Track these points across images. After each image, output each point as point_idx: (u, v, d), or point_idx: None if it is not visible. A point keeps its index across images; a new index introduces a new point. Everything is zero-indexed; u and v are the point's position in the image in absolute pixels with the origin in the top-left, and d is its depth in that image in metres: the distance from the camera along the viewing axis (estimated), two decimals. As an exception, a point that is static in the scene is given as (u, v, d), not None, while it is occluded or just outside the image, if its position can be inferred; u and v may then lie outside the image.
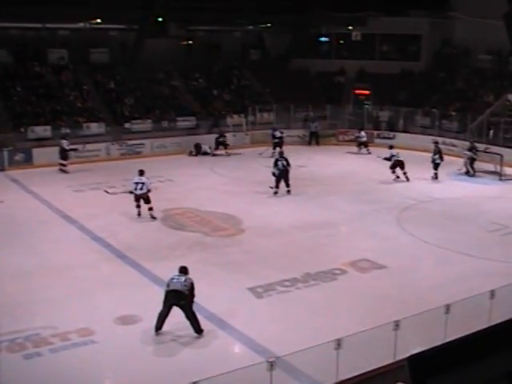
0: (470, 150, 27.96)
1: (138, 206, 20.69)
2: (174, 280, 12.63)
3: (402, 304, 13.82)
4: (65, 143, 28.39)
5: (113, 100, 35.42)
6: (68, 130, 31.36)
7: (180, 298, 12.45)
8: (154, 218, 20.68)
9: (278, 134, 32.31)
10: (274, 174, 23.98)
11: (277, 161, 24.06)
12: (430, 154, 27.42)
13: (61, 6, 31.64)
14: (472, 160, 27.68)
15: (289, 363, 10.45)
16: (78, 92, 34.79)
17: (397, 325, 10.81)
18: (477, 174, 27.55)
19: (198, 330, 12.63)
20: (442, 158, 27.18)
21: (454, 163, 28.86)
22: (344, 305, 14.24)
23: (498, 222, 20.55)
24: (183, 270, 12.93)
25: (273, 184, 23.99)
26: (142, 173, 20.88)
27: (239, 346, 12.56)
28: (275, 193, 23.95)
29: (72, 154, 28.63)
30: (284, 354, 10.34)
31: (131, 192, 21.02)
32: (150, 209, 20.68)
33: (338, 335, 10.26)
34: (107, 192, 24.13)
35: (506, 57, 37.39)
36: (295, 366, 10.53)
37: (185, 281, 12.59)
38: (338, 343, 10.08)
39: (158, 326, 12.64)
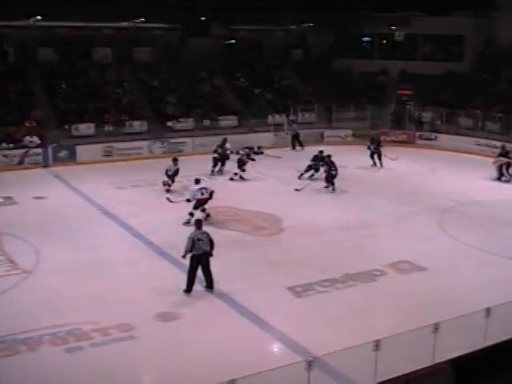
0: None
1: (191, 214, 19.58)
2: (201, 242, 14.20)
3: (442, 306, 13.73)
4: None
5: (155, 98, 35.74)
6: (111, 128, 31.79)
7: (207, 255, 14.32)
8: (208, 216, 20.22)
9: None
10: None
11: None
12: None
13: (105, 5, 32.11)
14: (508, 165, 27.18)
15: (327, 363, 10.43)
16: (121, 90, 35.20)
17: (436, 327, 10.72)
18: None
19: (211, 284, 14.44)
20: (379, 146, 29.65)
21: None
22: (383, 306, 14.19)
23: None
24: (199, 225, 14.68)
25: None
26: (198, 181, 20.32)
27: (277, 345, 12.58)
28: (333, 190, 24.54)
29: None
30: (322, 354, 10.34)
31: (189, 200, 20.08)
32: (204, 210, 20.06)
33: (377, 336, 10.22)
34: (170, 201, 21.18)
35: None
36: (333, 366, 10.52)
37: (208, 239, 14.33)
38: (377, 344, 10.04)
39: (189, 288, 14.36)
